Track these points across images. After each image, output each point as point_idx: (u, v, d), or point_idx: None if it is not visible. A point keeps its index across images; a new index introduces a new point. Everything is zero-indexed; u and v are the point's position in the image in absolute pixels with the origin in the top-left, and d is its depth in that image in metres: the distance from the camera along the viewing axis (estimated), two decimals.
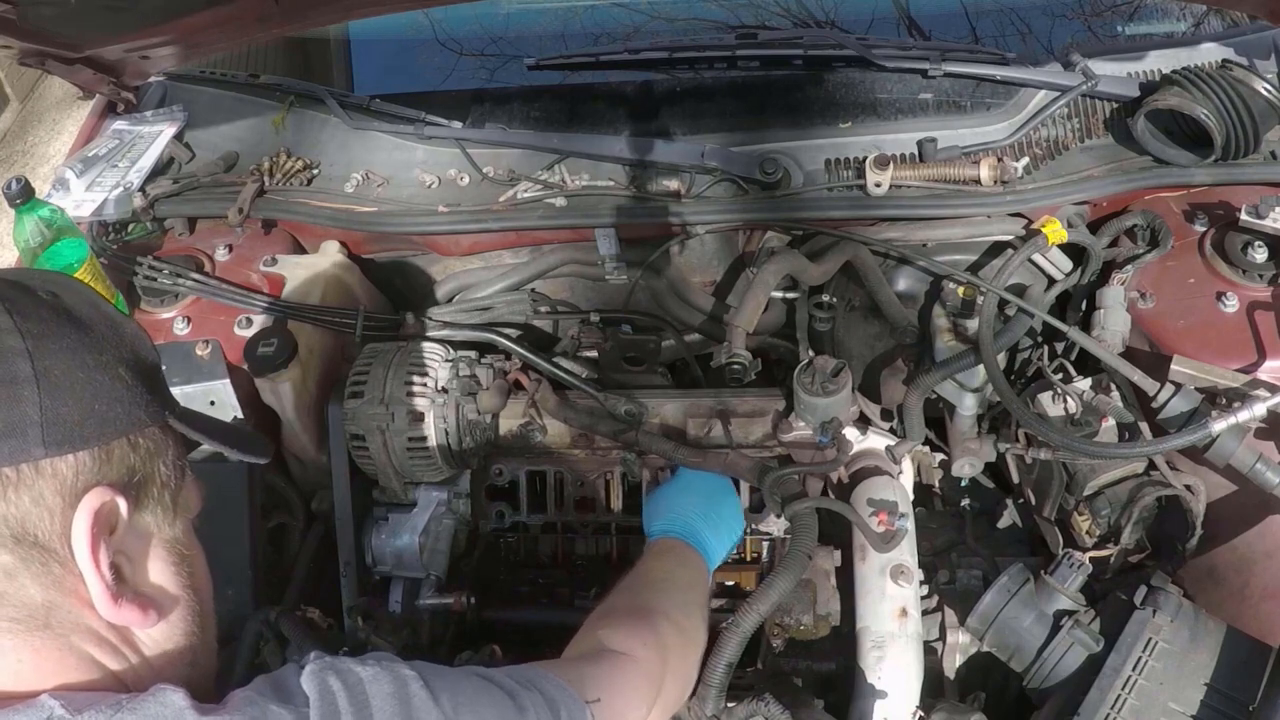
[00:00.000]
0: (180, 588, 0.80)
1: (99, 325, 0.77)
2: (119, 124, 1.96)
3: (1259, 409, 1.33)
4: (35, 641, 0.69)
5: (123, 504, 0.73)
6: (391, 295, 1.93)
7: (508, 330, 1.72)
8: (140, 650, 0.76)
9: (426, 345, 1.60)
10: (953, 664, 1.48)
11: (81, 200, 1.81)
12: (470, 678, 0.82)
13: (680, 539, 1.36)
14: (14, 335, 0.69)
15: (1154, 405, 1.42)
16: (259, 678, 0.75)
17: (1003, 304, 1.53)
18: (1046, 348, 1.57)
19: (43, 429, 0.69)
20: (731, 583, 1.68)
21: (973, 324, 1.54)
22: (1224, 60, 1.68)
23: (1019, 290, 1.61)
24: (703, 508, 1.41)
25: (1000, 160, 1.64)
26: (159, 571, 0.78)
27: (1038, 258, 1.64)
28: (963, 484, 1.68)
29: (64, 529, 0.70)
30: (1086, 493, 1.46)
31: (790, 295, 1.70)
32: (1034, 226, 1.58)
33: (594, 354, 1.72)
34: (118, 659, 0.74)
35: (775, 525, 1.62)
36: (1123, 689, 1.19)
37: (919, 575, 1.46)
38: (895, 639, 1.38)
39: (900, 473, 1.59)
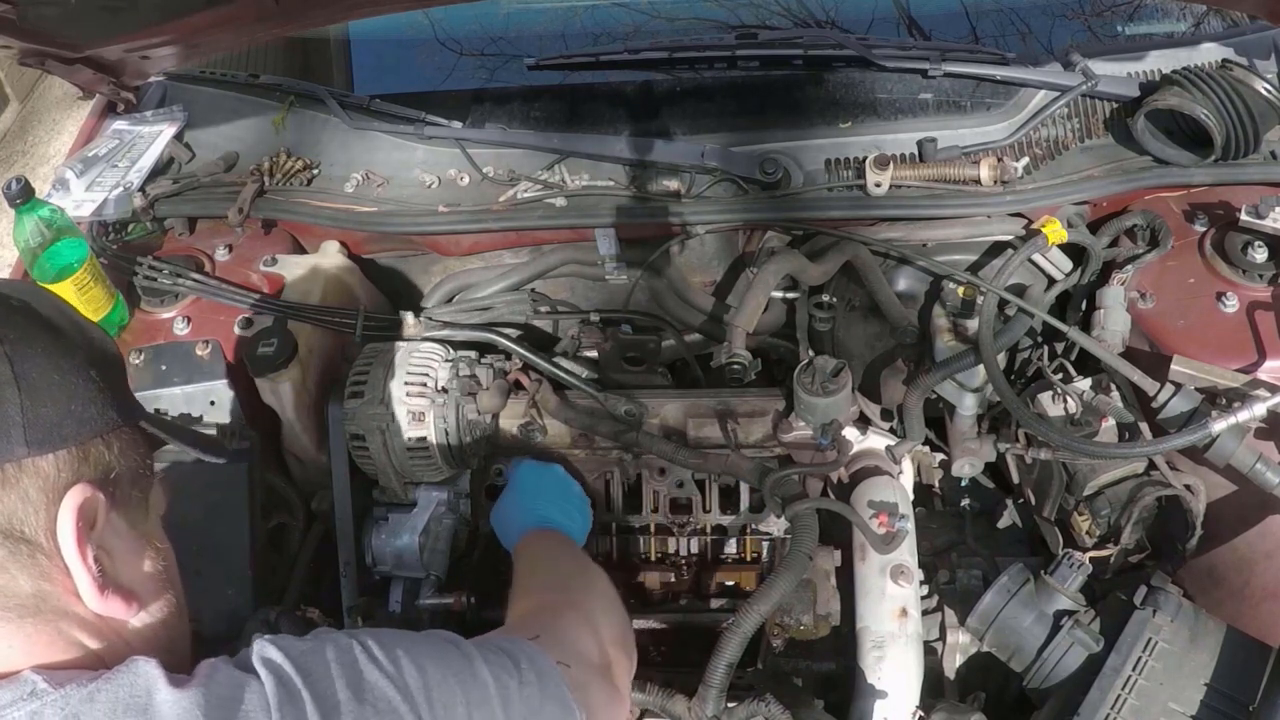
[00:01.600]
0: (157, 580, 0.83)
1: (69, 330, 0.80)
2: (119, 124, 1.96)
3: (1259, 409, 1.33)
4: (27, 628, 0.73)
5: (102, 500, 0.76)
6: (391, 295, 1.93)
7: (508, 330, 1.72)
8: (123, 636, 0.79)
9: (426, 345, 1.60)
10: (953, 664, 1.48)
11: (81, 200, 1.80)
12: (412, 634, 0.87)
13: (537, 530, 1.42)
14: None
15: (1154, 405, 1.42)
16: (223, 655, 0.78)
17: (1003, 304, 1.53)
18: (1046, 348, 1.57)
19: (25, 429, 0.71)
20: (731, 583, 1.68)
21: (973, 324, 1.54)
22: (1224, 60, 1.68)
23: (1019, 290, 1.61)
24: (545, 497, 1.48)
25: (1000, 160, 1.64)
26: (138, 564, 0.81)
27: (1038, 258, 1.64)
28: (963, 484, 1.68)
29: (49, 525, 0.73)
30: (1086, 493, 1.46)
31: (790, 295, 1.70)
32: (1034, 226, 1.58)
33: (594, 354, 1.72)
34: (102, 642, 0.77)
35: (775, 525, 1.62)
36: (1123, 689, 1.19)
37: (919, 575, 1.45)
38: (895, 639, 1.38)
39: (900, 473, 1.59)
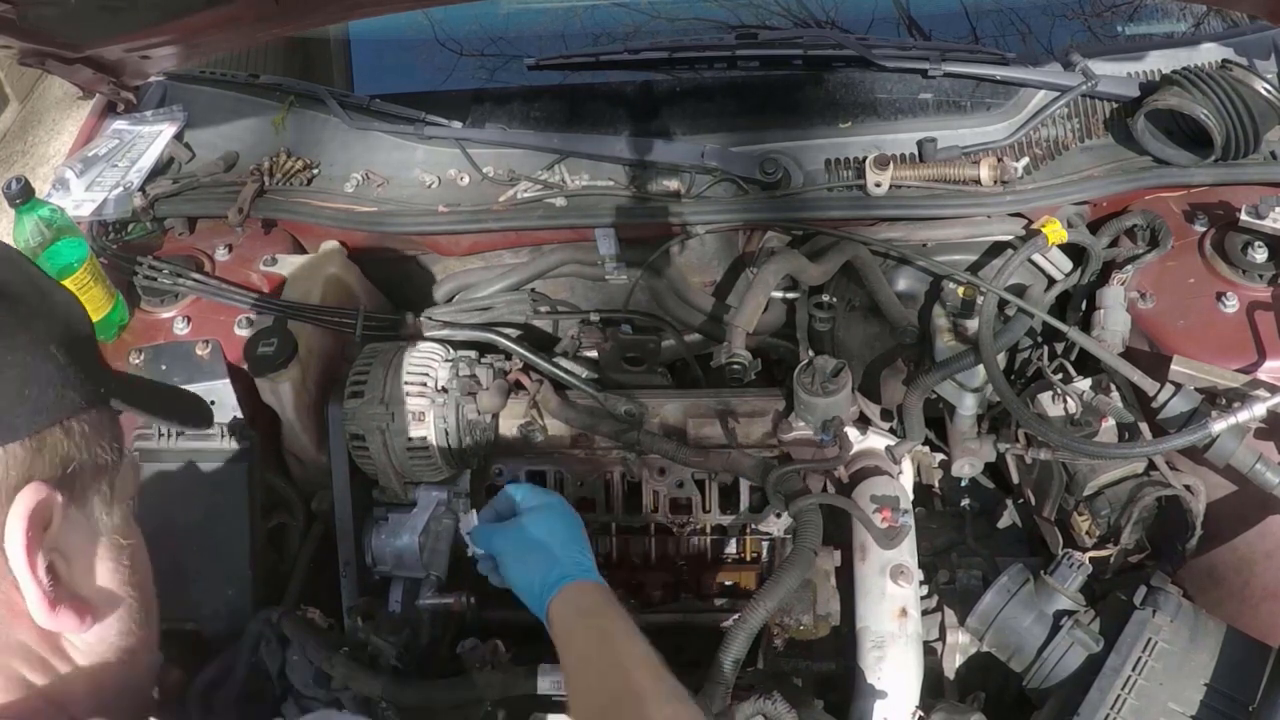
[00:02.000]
0: (120, 583, 0.74)
1: (29, 297, 0.69)
2: (119, 124, 1.96)
3: (1259, 409, 1.33)
4: None
5: (59, 499, 0.66)
6: (391, 295, 1.93)
7: (508, 330, 1.72)
8: (72, 659, 0.71)
9: (426, 345, 1.60)
10: (953, 664, 1.48)
11: (81, 200, 1.80)
12: None
13: (569, 584, 1.13)
14: None
15: (1154, 405, 1.42)
16: None
17: (1003, 304, 1.53)
18: (1046, 348, 1.57)
19: None
20: (731, 583, 1.68)
21: (973, 324, 1.54)
22: (1224, 60, 1.68)
23: (1019, 290, 1.61)
24: (560, 537, 1.18)
25: (1000, 160, 1.64)
26: (97, 568, 0.72)
27: (1038, 258, 1.64)
28: (963, 484, 1.68)
29: None
30: (1086, 493, 1.46)
31: (790, 295, 1.70)
32: (1034, 226, 1.58)
33: (594, 354, 1.72)
34: (48, 674, 0.69)
35: (775, 525, 1.61)
36: (1122, 689, 1.19)
37: (919, 575, 1.46)
38: (895, 639, 1.38)
39: (900, 473, 1.59)
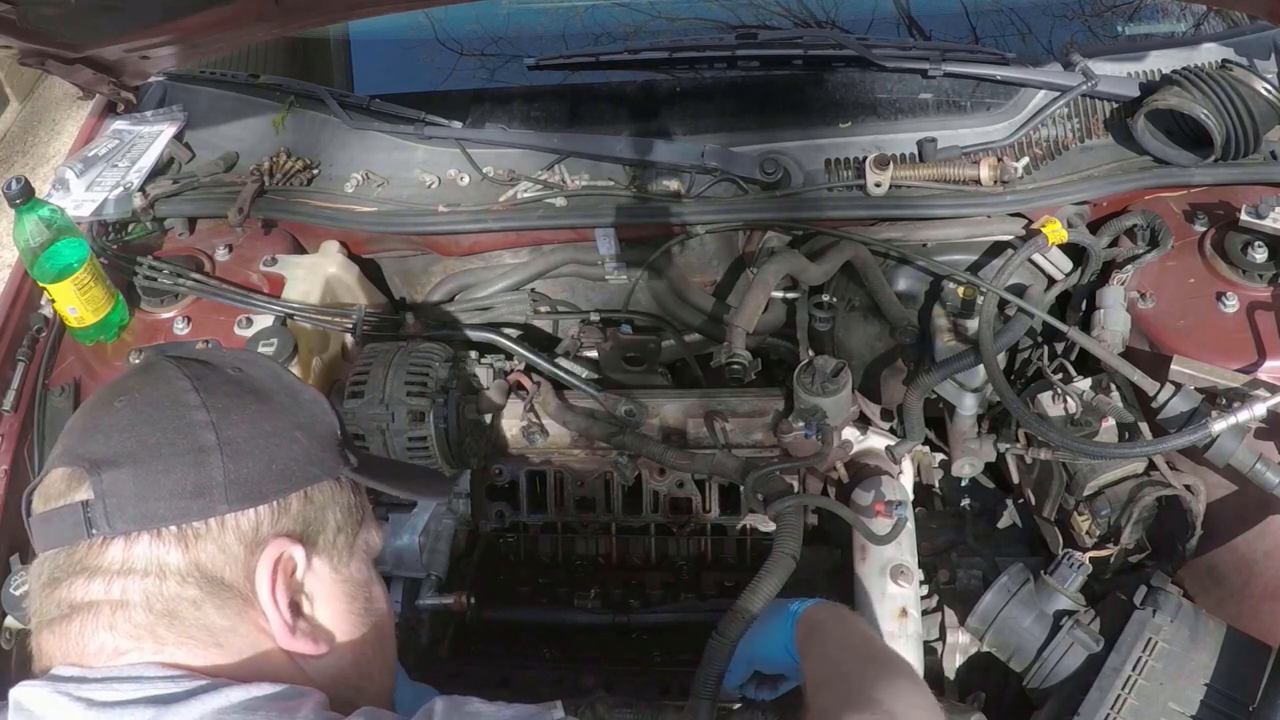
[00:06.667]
0: (353, 621, 0.89)
1: (278, 395, 0.88)
2: (119, 124, 1.96)
3: (1259, 409, 1.33)
4: (211, 654, 0.79)
5: (299, 551, 0.83)
6: (391, 295, 1.93)
7: (508, 330, 1.72)
8: (305, 672, 0.84)
9: (426, 345, 1.60)
10: (953, 664, 1.48)
11: (81, 200, 1.80)
12: None
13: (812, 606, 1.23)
14: (201, 410, 0.81)
15: (1154, 405, 1.42)
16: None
17: (1003, 304, 1.53)
18: (1046, 348, 1.57)
19: (225, 489, 0.79)
20: (732, 583, 1.68)
21: (973, 324, 1.54)
22: (1224, 60, 1.68)
23: (1019, 290, 1.61)
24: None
25: (1000, 160, 1.64)
26: (333, 607, 0.87)
27: (1038, 258, 1.64)
28: (963, 484, 1.68)
29: (248, 573, 0.80)
30: (1086, 493, 1.46)
31: (790, 295, 1.70)
32: (1034, 226, 1.58)
33: (594, 354, 1.72)
34: (284, 674, 0.82)
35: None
36: (1123, 689, 1.19)
37: (919, 575, 1.45)
38: (895, 639, 1.38)
39: (900, 473, 1.59)
